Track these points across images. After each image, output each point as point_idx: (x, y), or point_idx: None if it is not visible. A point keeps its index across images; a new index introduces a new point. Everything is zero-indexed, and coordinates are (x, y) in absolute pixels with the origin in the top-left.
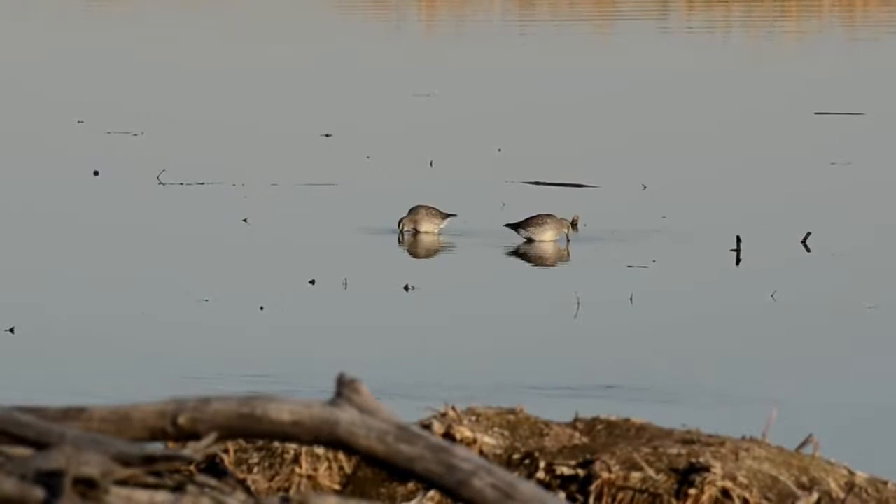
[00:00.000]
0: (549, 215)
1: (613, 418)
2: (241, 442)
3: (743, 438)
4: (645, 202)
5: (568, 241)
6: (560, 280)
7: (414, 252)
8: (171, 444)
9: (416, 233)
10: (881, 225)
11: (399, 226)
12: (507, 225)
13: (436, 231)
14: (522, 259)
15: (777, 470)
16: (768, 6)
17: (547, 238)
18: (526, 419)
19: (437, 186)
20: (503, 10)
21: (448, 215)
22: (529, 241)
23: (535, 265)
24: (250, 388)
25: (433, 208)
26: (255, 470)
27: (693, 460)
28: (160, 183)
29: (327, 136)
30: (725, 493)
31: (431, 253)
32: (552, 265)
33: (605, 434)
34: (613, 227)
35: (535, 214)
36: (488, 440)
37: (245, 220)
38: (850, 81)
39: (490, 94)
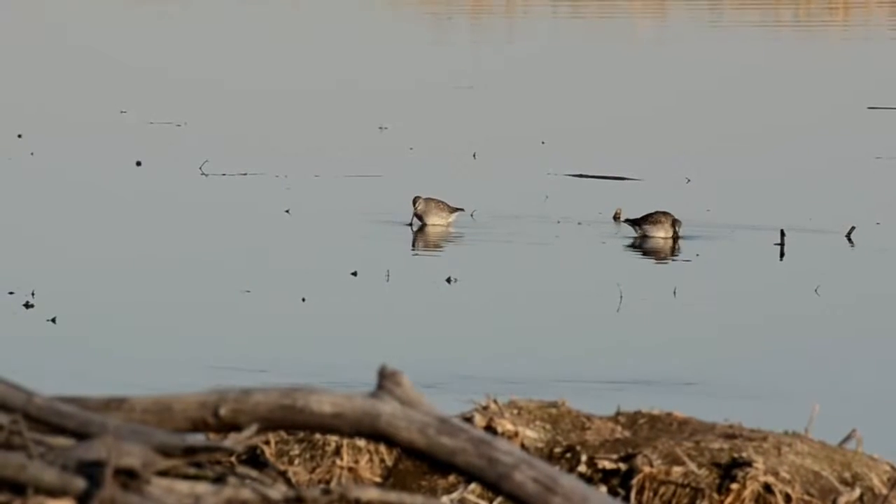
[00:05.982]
0: (664, 213)
1: (655, 412)
2: (283, 433)
3: (785, 433)
4: (689, 195)
5: (677, 236)
6: (603, 273)
7: (431, 243)
8: (212, 436)
9: (423, 225)
10: None
11: (414, 206)
12: (627, 220)
13: (444, 224)
14: (564, 252)
15: (819, 465)
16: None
17: (660, 235)
18: (568, 413)
19: (481, 178)
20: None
21: (456, 209)
22: (644, 237)
23: (579, 257)
24: (292, 380)
25: (441, 202)
26: (296, 461)
27: (735, 455)
28: (203, 174)
29: (382, 128)
30: (768, 488)
31: (473, 245)
32: (594, 258)
33: (647, 428)
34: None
35: (652, 212)
36: (530, 433)
37: (287, 212)
38: None
39: (534, 86)
